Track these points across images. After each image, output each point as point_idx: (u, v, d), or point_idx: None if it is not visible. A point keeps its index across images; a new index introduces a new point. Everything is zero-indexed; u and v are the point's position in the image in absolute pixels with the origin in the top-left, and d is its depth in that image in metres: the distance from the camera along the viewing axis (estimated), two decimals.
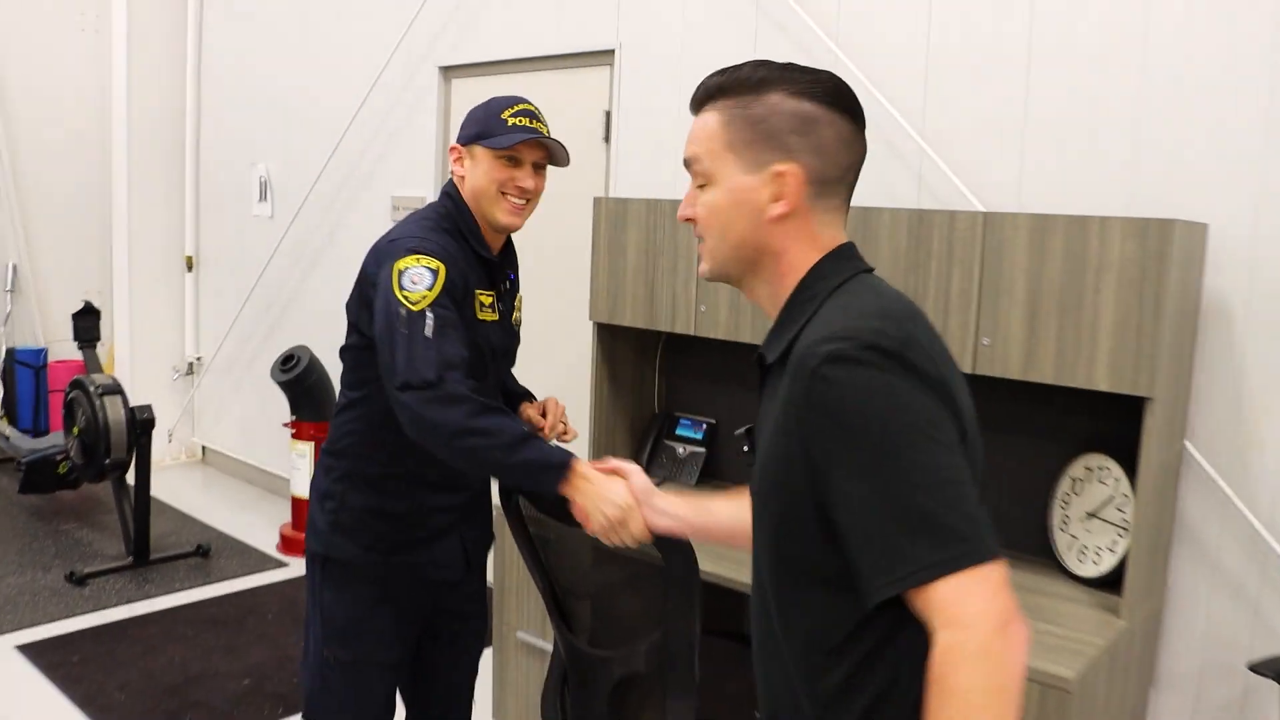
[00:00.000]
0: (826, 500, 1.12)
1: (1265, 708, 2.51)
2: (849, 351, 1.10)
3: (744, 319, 2.85)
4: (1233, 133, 2.44)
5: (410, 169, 4.54)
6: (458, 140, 2.11)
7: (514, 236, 2.26)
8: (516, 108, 2.08)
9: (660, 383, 3.50)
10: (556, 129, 4.03)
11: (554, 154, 2.12)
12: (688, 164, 1.32)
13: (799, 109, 1.24)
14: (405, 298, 1.90)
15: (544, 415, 2.29)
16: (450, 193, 2.12)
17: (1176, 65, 2.51)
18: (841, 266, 1.26)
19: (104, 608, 4.01)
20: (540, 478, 1.84)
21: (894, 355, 1.10)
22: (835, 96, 1.26)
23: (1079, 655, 2.09)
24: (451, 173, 2.13)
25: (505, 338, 2.19)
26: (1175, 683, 2.62)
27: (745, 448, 1.36)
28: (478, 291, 2.06)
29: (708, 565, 2.04)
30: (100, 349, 5.22)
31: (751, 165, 1.25)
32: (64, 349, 5.82)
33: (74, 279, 6.03)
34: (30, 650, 3.62)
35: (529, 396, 2.40)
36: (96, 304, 5.24)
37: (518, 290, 2.28)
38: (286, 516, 4.90)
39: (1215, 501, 2.52)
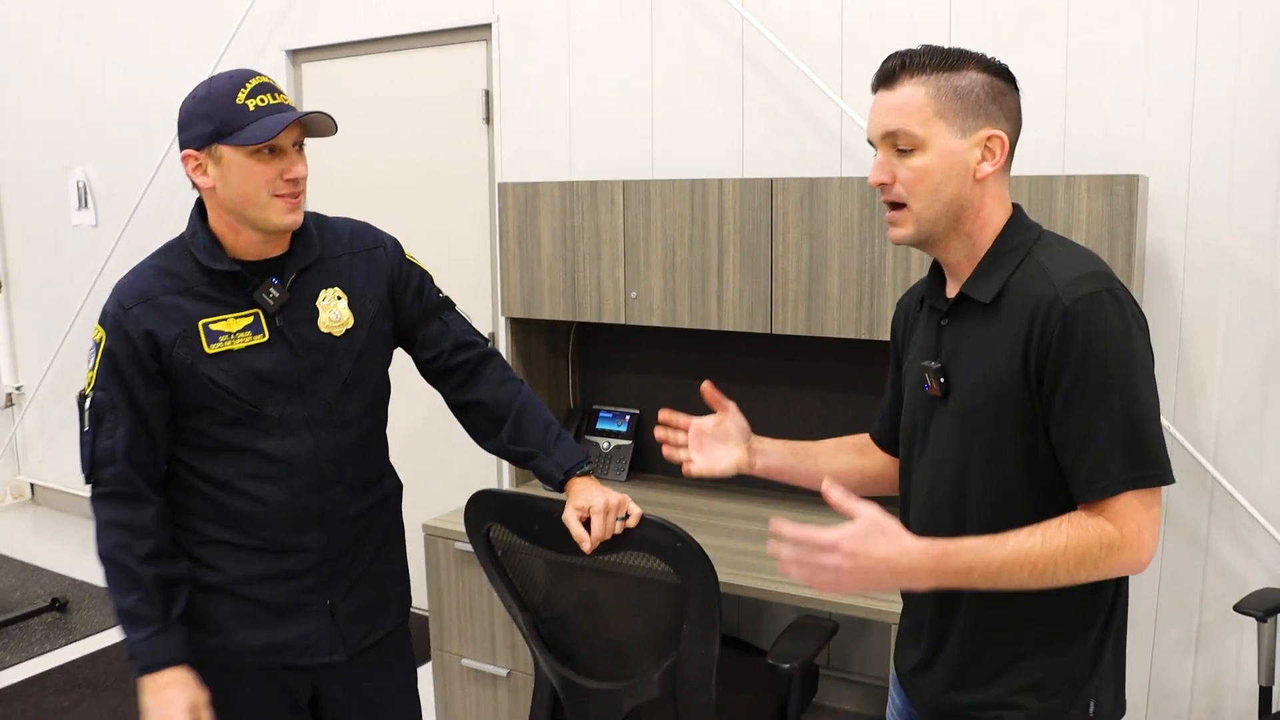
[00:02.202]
0: (1050, 415, 1.34)
1: (1218, 643, 2.59)
2: (1094, 297, 1.31)
3: (681, 304, 2.70)
4: (1162, 87, 2.46)
5: None
6: (188, 145, 1.66)
7: (378, 230, 1.93)
8: (250, 85, 1.64)
9: (574, 376, 3.31)
10: (429, 113, 3.80)
11: (315, 126, 1.70)
12: (889, 135, 1.40)
13: (991, 81, 1.39)
14: (85, 379, 1.74)
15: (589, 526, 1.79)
16: (196, 210, 1.74)
17: (1100, 23, 2.51)
18: (1029, 222, 1.45)
19: None
20: (132, 657, 1.68)
21: (1125, 302, 1.33)
22: (1009, 74, 1.42)
23: None
24: (195, 186, 1.70)
25: (288, 359, 1.73)
26: (1133, 624, 2.65)
27: (942, 379, 1.45)
28: (205, 322, 1.68)
29: (723, 576, 1.89)
30: None
31: (961, 130, 1.38)
32: None
33: None
34: None
35: (574, 465, 1.87)
36: None
37: (322, 287, 1.78)
38: None
39: None
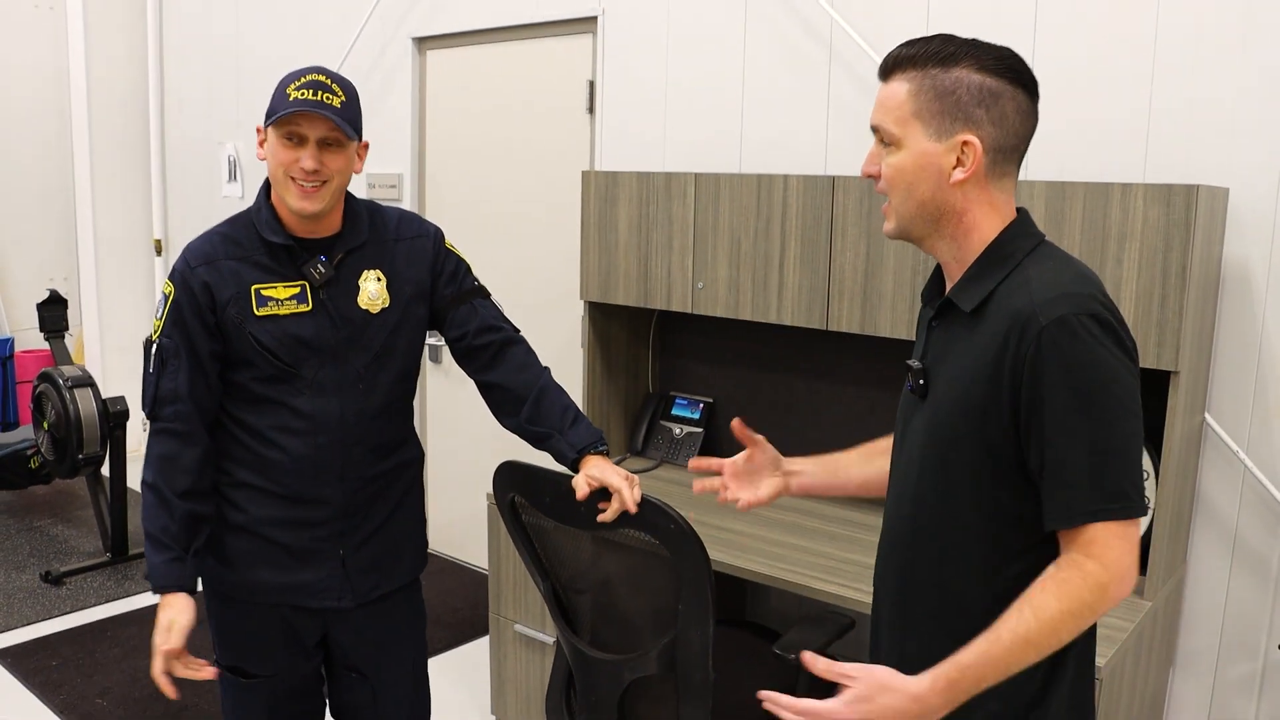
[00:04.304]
0: (1026, 438, 1.30)
1: None
2: (1073, 319, 1.26)
3: (744, 296, 2.73)
4: (1249, 93, 2.34)
5: (384, 146, 4.38)
6: (260, 122, 1.87)
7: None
8: (303, 79, 1.79)
9: (654, 362, 3.39)
10: (538, 100, 3.95)
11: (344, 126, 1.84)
12: (874, 129, 1.39)
13: (984, 83, 1.32)
14: (153, 326, 1.92)
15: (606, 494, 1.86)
16: (264, 186, 1.93)
17: (1190, 23, 2.41)
18: (1030, 231, 1.39)
19: (83, 608, 3.88)
20: (149, 575, 1.90)
21: (1109, 327, 1.27)
22: (1017, 72, 1.34)
23: (1107, 640, 2.01)
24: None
25: (327, 329, 1.89)
26: (1194, 661, 2.55)
27: (921, 380, 1.44)
28: (258, 287, 1.86)
29: (716, 554, 1.94)
30: (69, 337, 5.05)
31: (937, 133, 1.34)
32: (29, 338, 5.63)
33: (36, 265, 5.83)
34: (6, 656, 3.48)
35: (587, 444, 1.96)
36: (62, 290, 5.06)
37: (365, 268, 1.94)
38: None
39: (1235, 474, 2.44)
